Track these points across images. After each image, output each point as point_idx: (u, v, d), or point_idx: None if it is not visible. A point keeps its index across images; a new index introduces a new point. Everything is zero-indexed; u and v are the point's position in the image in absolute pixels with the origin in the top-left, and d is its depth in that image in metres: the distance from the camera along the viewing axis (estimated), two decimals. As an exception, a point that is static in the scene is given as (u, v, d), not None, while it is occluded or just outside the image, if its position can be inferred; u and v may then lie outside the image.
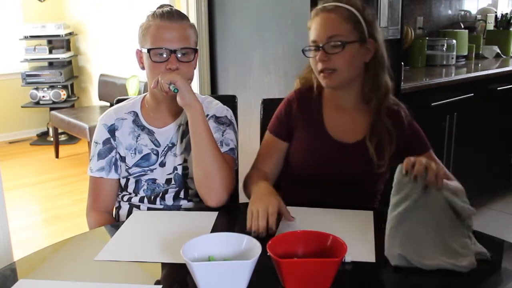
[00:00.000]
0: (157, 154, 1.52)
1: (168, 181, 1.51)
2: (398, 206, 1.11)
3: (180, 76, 1.37)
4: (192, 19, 2.91)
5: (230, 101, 1.78)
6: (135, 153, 1.52)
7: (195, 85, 3.00)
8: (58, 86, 5.03)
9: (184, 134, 1.51)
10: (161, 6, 1.50)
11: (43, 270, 1.13)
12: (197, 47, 1.50)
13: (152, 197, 1.51)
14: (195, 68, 1.51)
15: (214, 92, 3.04)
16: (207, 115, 1.52)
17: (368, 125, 1.45)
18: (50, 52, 5.10)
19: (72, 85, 5.31)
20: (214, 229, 1.25)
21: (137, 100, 1.59)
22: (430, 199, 1.12)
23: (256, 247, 0.97)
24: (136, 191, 1.53)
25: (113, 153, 1.53)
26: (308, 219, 1.28)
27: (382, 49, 1.45)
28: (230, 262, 0.97)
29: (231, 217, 1.41)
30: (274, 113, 1.58)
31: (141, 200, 1.52)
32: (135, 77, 4.01)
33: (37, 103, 5.04)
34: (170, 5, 1.53)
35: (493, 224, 3.18)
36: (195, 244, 1.01)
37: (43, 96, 5.00)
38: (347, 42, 1.38)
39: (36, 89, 5.00)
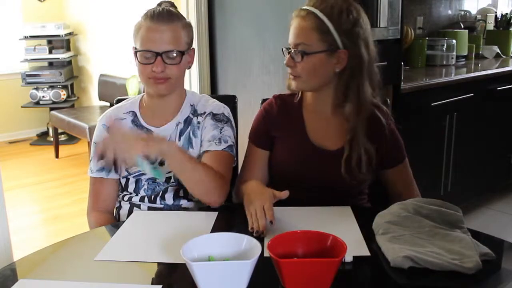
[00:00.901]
0: None
1: (167, 179, 1.52)
2: (384, 217, 1.19)
3: (135, 150, 1.20)
4: (192, 19, 2.91)
5: (230, 101, 1.78)
6: None
7: (195, 85, 3.00)
8: (58, 86, 5.03)
9: (182, 132, 1.52)
10: (160, 4, 1.50)
11: (43, 270, 1.13)
12: (192, 47, 1.50)
13: (153, 197, 1.52)
14: (189, 67, 1.52)
15: (214, 92, 3.04)
16: (204, 112, 1.53)
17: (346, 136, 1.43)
18: (50, 52, 5.10)
19: (72, 85, 5.31)
20: (214, 229, 1.25)
21: (136, 100, 1.59)
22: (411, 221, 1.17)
23: (256, 247, 0.97)
24: (136, 191, 1.53)
25: None
26: (289, 219, 1.29)
27: (360, 58, 1.38)
28: (230, 262, 0.97)
29: (231, 217, 1.41)
30: (253, 121, 1.57)
31: (142, 199, 1.52)
32: (135, 77, 4.01)
33: (37, 103, 5.04)
34: (170, 2, 1.53)
35: (493, 224, 3.18)
36: (195, 244, 1.01)
37: (43, 96, 5.00)
38: (308, 53, 1.37)
39: (36, 89, 5.00)
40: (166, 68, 1.43)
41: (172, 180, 1.51)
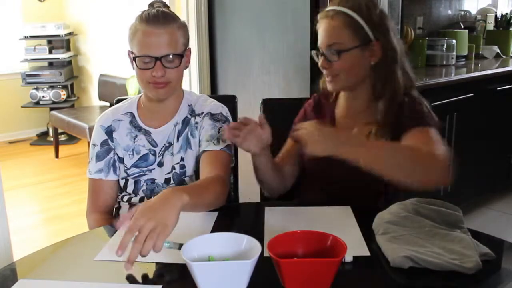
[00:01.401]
0: (154, 154, 1.52)
1: (167, 181, 1.52)
2: (384, 218, 1.19)
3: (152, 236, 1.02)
4: (192, 19, 2.92)
5: (230, 101, 1.78)
6: (133, 154, 1.52)
7: (195, 85, 3.00)
8: (58, 86, 5.03)
9: (180, 132, 1.52)
10: (152, 4, 1.48)
11: (43, 270, 1.13)
12: (188, 46, 1.49)
13: (152, 197, 1.50)
14: (187, 67, 1.51)
15: (214, 92, 3.04)
16: (202, 112, 1.53)
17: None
18: (50, 52, 5.10)
19: (72, 85, 5.31)
20: (214, 229, 1.25)
21: (134, 101, 1.59)
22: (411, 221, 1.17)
23: (256, 247, 0.97)
24: (135, 192, 1.53)
25: (111, 154, 1.54)
26: (289, 219, 1.30)
27: (393, 48, 1.42)
28: (230, 262, 0.97)
29: (231, 217, 1.41)
30: None
31: (141, 200, 1.52)
32: (135, 77, 4.00)
33: (37, 103, 5.04)
34: (162, 1, 1.50)
35: (492, 224, 3.18)
36: (195, 244, 1.01)
37: (43, 96, 5.00)
38: (344, 50, 1.38)
39: (36, 89, 5.00)
40: (166, 72, 1.41)
41: (172, 181, 1.51)
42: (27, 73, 5.02)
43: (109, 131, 1.54)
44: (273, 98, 1.77)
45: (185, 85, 3.08)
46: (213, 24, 2.96)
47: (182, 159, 1.51)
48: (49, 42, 5.15)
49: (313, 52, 1.46)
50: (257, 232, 1.17)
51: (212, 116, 1.53)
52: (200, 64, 2.96)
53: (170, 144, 1.51)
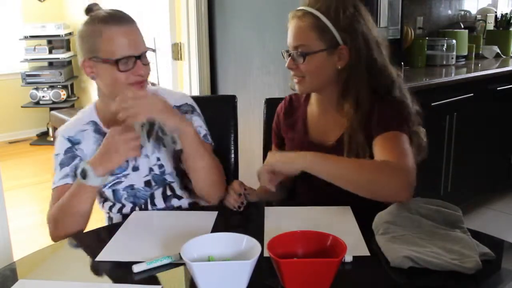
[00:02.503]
0: (126, 159, 1.44)
1: (147, 184, 1.48)
2: (384, 218, 1.19)
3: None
4: (192, 19, 2.92)
5: (230, 101, 1.78)
6: None
7: (195, 85, 3.00)
8: (58, 86, 5.03)
9: (150, 133, 1.42)
10: (91, 8, 1.39)
11: (43, 270, 1.12)
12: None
13: (143, 206, 1.48)
14: None
15: (214, 92, 3.04)
16: None
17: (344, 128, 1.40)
18: (50, 52, 5.11)
19: (72, 85, 5.31)
20: (214, 229, 1.25)
21: (90, 110, 1.51)
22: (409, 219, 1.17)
23: (256, 247, 0.97)
24: (118, 200, 1.48)
25: (77, 160, 1.45)
26: (289, 219, 1.30)
27: (360, 53, 1.36)
28: (230, 262, 0.97)
29: (231, 217, 1.41)
30: None
31: (132, 209, 1.47)
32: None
33: (37, 103, 5.04)
34: (97, 3, 1.43)
35: (493, 224, 3.18)
36: (195, 244, 1.01)
37: (43, 96, 5.00)
38: (309, 53, 1.36)
39: (36, 89, 5.00)
40: (145, 70, 1.38)
41: (153, 183, 1.48)
42: (27, 73, 5.02)
43: (75, 142, 1.46)
44: (276, 98, 1.76)
45: (185, 85, 3.09)
46: (213, 24, 2.96)
47: (158, 159, 1.48)
48: (49, 42, 5.16)
49: (283, 51, 1.44)
50: (257, 232, 1.17)
51: (178, 109, 1.49)
52: (200, 64, 2.96)
53: (141, 147, 1.41)
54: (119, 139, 1.31)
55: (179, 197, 1.51)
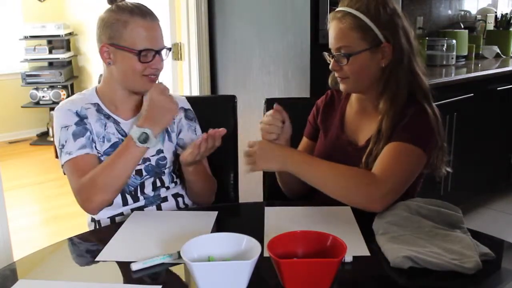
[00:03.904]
0: None
1: (138, 172, 1.48)
2: (384, 218, 1.19)
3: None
4: (192, 19, 2.92)
5: (230, 101, 1.78)
6: (104, 141, 1.47)
7: (195, 85, 3.00)
8: (58, 86, 5.03)
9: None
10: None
11: (43, 270, 1.13)
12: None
13: (133, 193, 1.49)
14: None
15: (214, 92, 3.04)
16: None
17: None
18: (50, 52, 5.11)
19: (72, 85, 5.31)
20: (214, 229, 1.25)
21: (91, 93, 1.52)
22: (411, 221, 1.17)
23: (256, 247, 0.97)
24: None
25: (88, 133, 1.44)
26: (289, 219, 1.30)
27: (404, 50, 1.37)
28: (229, 262, 0.97)
29: (231, 217, 1.41)
30: None
31: (122, 197, 1.48)
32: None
33: (37, 103, 5.04)
34: None
35: (493, 224, 3.18)
36: (195, 244, 1.01)
37: (43, 96, 5.00)
38: (352, 54, 1.35)
39: (36, 89, 5.00)
40: (161, 65, 1.46)
41: (145, 173, 1.49)
42: (27, 73, 5.02)
43: (83, 116, 1.46)
44: (276, 98, 1.76)
45: (185, 85, 3.09)
46: (213, 24, 2.96)
47: (161, 151, 1.51)
48: (49, 42, 5.16)
49: (325, 53, 1.43)
50: (257, 232, 1.17)
51: (186, 112, 1.58)
52: (200, 64, 2.96)
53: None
54: (164, 98, 1.37)
55: (168, 188, 1.54)
